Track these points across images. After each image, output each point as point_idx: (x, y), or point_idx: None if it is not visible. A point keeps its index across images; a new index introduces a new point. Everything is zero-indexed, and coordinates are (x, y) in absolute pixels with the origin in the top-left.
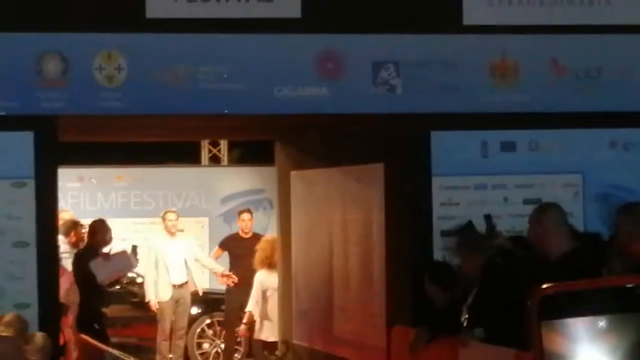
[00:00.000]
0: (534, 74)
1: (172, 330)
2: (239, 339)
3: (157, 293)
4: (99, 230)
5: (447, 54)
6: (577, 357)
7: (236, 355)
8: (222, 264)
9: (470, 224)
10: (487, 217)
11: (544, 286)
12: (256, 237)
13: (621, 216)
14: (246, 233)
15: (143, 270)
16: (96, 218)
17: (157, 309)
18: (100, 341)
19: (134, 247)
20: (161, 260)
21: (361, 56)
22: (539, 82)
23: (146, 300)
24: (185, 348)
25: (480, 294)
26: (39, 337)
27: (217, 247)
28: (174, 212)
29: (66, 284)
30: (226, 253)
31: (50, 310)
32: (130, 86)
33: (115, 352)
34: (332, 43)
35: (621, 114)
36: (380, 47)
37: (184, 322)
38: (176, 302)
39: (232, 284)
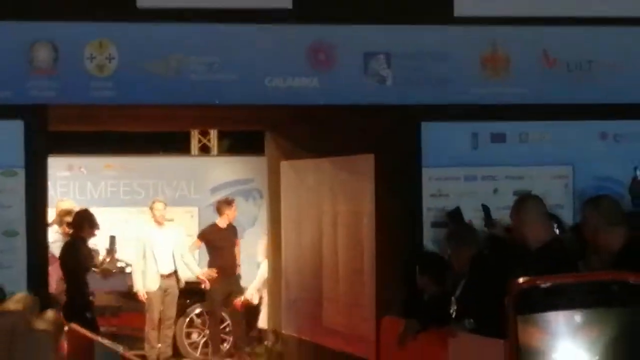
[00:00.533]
0: (525, 66)
1: (160, 320)
2: (227, 329)
3: (145, 283)
4: (85, 219)
5: (437, 45)
6: (553, 351)
7: (224, 344)
8: (202, 254)
9: (457, 210)
10: (485, 207)
11: (520, 280)
12: (231, 228)
13: (587, 209)
14: (226, 223)
15: (131, 259)
16: (108, 207)
17: (145, 298)
18: (91, 330)
19: (112, 238)
20: (149, 250)
21: (352, 47)
22: (529, 74)
23: (134, 291)
24: (174, 337)
25: (469, 285)
26: (50, 312)
27: (196, 239)
28: (161, 201)
29: (56, 273)
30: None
31: (40, 299)
32: (121, 76)
33: (105, 341)
34: (323, 34)
35: (612, 106)
36: (371, 38)
37: (172, 312)
38: (164, 291)
39: (207, 287)
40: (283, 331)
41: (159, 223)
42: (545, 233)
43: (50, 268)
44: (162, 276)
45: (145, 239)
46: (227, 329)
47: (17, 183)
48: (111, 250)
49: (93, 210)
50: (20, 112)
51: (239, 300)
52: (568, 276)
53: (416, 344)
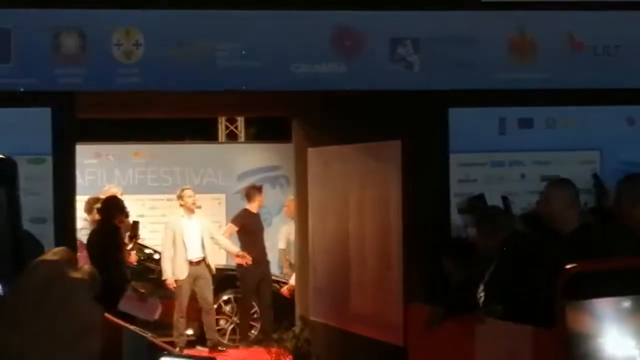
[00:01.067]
0: (552, 51)
1: (196, 307)
2: (255, 316)
3: (174, 271)
4: (115, 206)
5: (464, 30)
6: (601, 337)
7: (252, 331)
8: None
9: (481, 196)
10: (505, 199)
11: (569, 267)
12: (259, 214)
13: (623, 184)
14: (256, 209)
15: (160, 247)
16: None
17: (174, 286)
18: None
19: (135, 223)
20: (179, 238)
21: (379, 33)
22: (556, 59)
23: (163, 279)
24: (201, 324)
25: (498, 271)
26: (87, 266)
27: (229, 224)
28: (190, 189)
29: (84, 261)
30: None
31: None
32: (148, 62)
33: (133, 327)
34: (350, 19)
35: (639, 91)
36: (398, 24)
37: (209, 296)
38: (194, 279)
39: (246, 265)
40: (311, 317)
41: (189, 210)
42: (577, 218)
43: (78, 255)
44: (191, 263)
45: (174, 227)
46: (255, 316)
47: (45, 170)
48: (134, 237)
49: (121, 198)
50: (48, 100)
51: (285, 289)
52: (617, 261)
53: (443, 330)
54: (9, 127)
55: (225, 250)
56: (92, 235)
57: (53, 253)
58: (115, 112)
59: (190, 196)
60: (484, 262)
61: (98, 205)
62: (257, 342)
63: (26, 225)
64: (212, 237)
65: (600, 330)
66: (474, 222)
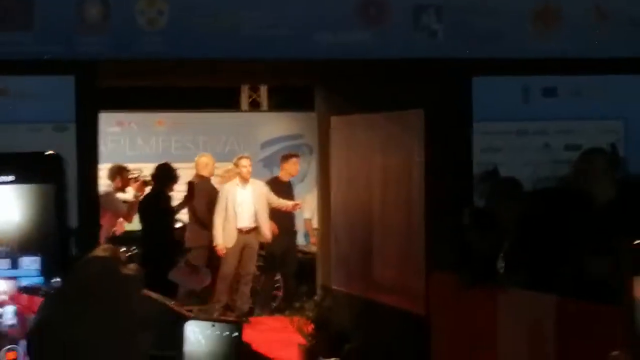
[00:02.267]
0: (577, 20)
1: (236, 276)
2: (277, 285)
3: (224, 238)
4: (165, 173)
5: None
6: None
7: (275, 300)
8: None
9: (495, 169)
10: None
11: (637, 241)
12: (289, 182)
13: None
14: (285, 177)
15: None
16: (161, 162)
17: (223, 253)
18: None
19: (190, 183)
20: (231, 205)
21: (403, 1)
22: (581, 28)
23: (214, 244)
24: (232, 292)
25: (518, 241)
26: (133, 264)
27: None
28: (248, 157)
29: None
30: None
31: (89, 253)
32: (172, 30)
33: (154, 295)
34: None
35: None
36: None
37: (252, 268)
38: (242, 247)
39: (273, 233)
40: (333, 286)
41: (244, 180)
42: (613, 187)
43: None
44: (241, 231)
45: (227, 194)
46: (277, 285)
47: (68, 138)
48: (189, 197)
49: (143, 166)
50: (71, 68)
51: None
52: None
53: (466, 299)
54: (33, 95)
55: (281, 206)
56: (144, 202)
57: (102, 249)
58: (138, 80)
59: (245, 166)
60: (503, 232)
61: (132, 174)
62: (280, 310)
63: None
64: (269, 202)
65: None
66: (490, 192)
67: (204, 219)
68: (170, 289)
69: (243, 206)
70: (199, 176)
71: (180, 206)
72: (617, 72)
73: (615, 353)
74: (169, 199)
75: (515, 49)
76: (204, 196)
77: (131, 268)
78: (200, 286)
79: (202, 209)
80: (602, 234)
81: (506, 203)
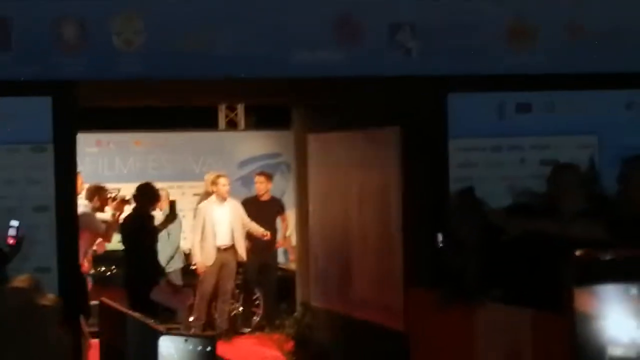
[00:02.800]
0: (551, 35)
1: (214, 294)
2: (257, 302)
3: (202, 257)
4: (147, 193)
5: (463, 16)
6: (608, 320)
7: (254, 317)
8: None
9: (470, 189)
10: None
11: (578, 253)
12: (274, 201)
13: (634, 165)
14: (262, 196)
15: (189, 233)
16: (139, 182)
17: (201, 272)
18: (151, 310)
19: (173, 203)
20: (209, 224)
21: (378, 19)
22: (555, 44)
23: (193, 263)
24: (209, 311)
25: (480, 260)
26: (52, 295)
27: None
28: (225, 176)
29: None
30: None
31: (70, 274)
32: (148, 50)
33: (136, 314)
34: (349, 6)
35: (638, 75)
36: (397, 10)
37: (230, 285)
38: (221, 266)
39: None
40: (312, 303)
41: (222, 198)
42: (583, 201)
43: (81, 239)
44: (219, 250)
45: (205, 213)
46: (257, 302)
47: (47, 159)
48: (172, 217)
49: (122, 185)
50: (49, 88)
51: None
52: (627, 250)
53: (444, 314)
54: (10, 116)
55: (253, 231)
56: (126, 222)
57: (21, 280)
58: (115, 100)
59: (224, 184)
60: (466, 251)
61: (110, 193)
62: (259, 328)
63: (28, 214)
64: (243, 223)
65: (607, 315)
66: (453, 210)
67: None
68: (152, 309)
69: (221, 224)
70: (207, 193)
71: (162, 226)
72: (591, 87)
73: None
74: (151, 218)
75: (489, 65)
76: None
77: (49, 299)
78: (182, 306)
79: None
80: (567, 247)
81: (466, 220)
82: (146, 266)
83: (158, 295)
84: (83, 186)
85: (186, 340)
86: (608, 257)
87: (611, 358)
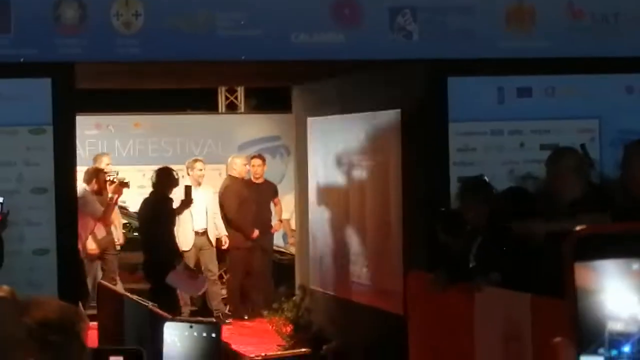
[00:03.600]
0: (551, 19)
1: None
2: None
3: (179, 241)
4: (166, 177)
5: None
6: (609, 296)
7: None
8: None
9: (481, 176)
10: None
11: (578, 228)
12: (268, 184)
13: (635, 150)
14: (257, 178)
15: None
16: (161, 166)
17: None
18: (168, 295)
19: (188, 188)
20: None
21: (378, 2)
22: (555, 27)
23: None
24: (203, 295)
25: (487, 242)
26: (5, 287)
27: None
28: (201, 160)
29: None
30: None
31: (68, 256)
32: (148, 32)
33: (134, 297)
34: None
35: (638, 59)
36: None
37: (214, 267)
38: (199, 249)
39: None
40: (311, 286)
41: (198, 183)
42: (581, 186)
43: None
44: (197, 233)
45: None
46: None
47: (46, 141)
48: (187, 202)
49: (121, 168)
50: (48, 70)
51: None
52: (628, 224)
53: (443, 298)
54: (10, 97)
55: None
56: (144, 206)
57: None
58: (115, 82)
59: (199, 169)
60: (472, 232)
61: (108, 176)
62: (258, 313)
63: (27, 196)
64: (214, 214)
65: (607, 290)
66: (458, 193)
67: (236, 220)
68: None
69: (197, 208)
70: (230, 177)
71: (178, 211)
72: (591, 71)
73: (557, 339)
74: (170, 201)
75: (490, 49)
76: (235, 197)
77: (4, 290)
78: (198, 292)
79: (231, 209)
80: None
81: (472, 203)
82: (165, 250)
83: (174, 279)
84: (109, 167)
85: (191, 327)
86: (608, 232)
87: (611, 333)
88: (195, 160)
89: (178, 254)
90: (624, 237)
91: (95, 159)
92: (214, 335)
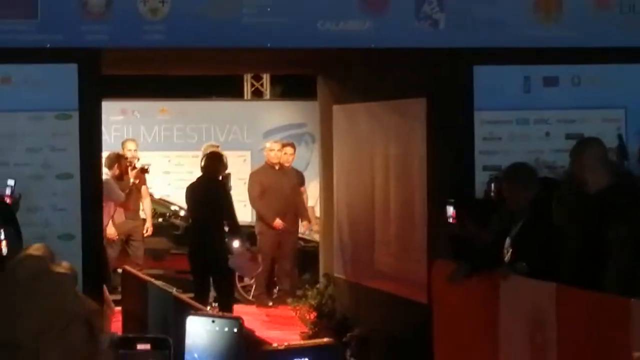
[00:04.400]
0: (577, 9)
1: None
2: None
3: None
4: (217, 161)
5: None
6: None
7: (274, 290)
8: None
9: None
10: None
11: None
12: (295, 171)
13: None
14: (286, 166)
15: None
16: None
17: None
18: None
19: (228, 175)
20: None
21: None
22: (582, 17)
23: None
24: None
25: (528, 227)
26: (65, 262)
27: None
28: (217, 146)
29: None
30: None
31: (93, 241)
32: (174, 19)
33: (158, 282)
34: None
35: None
36: None
37: None
38: None
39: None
40: (335, 274)
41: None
42: (606, 177)
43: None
44: None
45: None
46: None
47: (72, 126)
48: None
49: (147, 154)
50: (74, 56)
51: None
52: None
53: (467, 287)
54: (36, 83)
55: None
56: (196, 190)
57: (35, 249)
58: (141, 68)
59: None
60: (511, 216)
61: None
62: (281, 300)
63: (53, 182)
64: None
65: None
66: (504, 177)
67: (259, 209)
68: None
69: None
70: (265, 164)
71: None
72: (617, 61)
73: (637, 354)
74: (225, 184)
75: (516, 38)
76: (257, 185)
77: (64, 266)
78: (253, 274)
79: (254, 198)
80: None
81: (519, 189)
82: (219, 233)
83: (236, 262)
84: (135, 153)
85: (213, 322)
86: None
87: None
88: (212, 146)
89: (241, 235)
90: None
91: (122, 144)
92: (235, 330)
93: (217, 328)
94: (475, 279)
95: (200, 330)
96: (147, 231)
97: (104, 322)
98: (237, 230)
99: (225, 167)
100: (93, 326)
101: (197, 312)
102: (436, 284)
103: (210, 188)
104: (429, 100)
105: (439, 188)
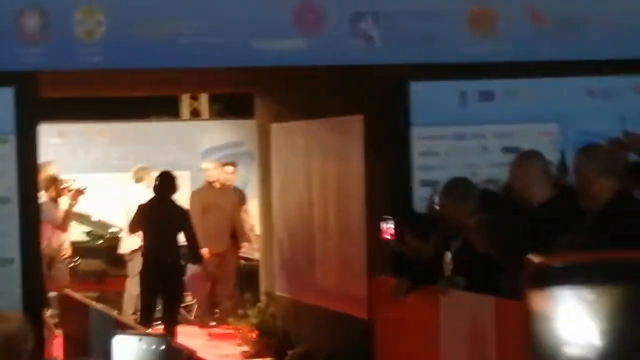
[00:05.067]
0: (512, 24)
1: None
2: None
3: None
4: (171, 181)
5: (425, 3)
6: (565, 323)
7: (216, 310)
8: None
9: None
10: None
11: (535, 258)
12: (235, 190)
13: (580, 158)
14: (228, 186)
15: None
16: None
17: (129, 261)
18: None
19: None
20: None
21: (340, 7)
22: (517, 31)
23: (120, 252)
24: None
25: (468, 242)
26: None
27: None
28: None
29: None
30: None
31: (33, 265)
32: (110, 41)
33: (99, 305)
34: None
35: (599, 62)
36: None
37: None
38: None
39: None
40: (276, 292)
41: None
42: (549, 189)
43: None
44: None
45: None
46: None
47: (9, 150)
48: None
49: (84, 176)
50: (11, 79)
51: None
52: (583, 255)
53: (408, 302)
54: None
55: None
56: (149, 210)
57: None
58: (78, 91)
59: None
60: (454, 232)
61: (64, 184)
62: (223, 319)
63: None
64: None
65: (563, 317)
66: (443, 192)
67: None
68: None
69: None
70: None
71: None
72: (552, 74)
73: None
74: (178, 205)
75: (452, 53)
76: (197, 206)
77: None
78: (203, 294)
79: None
80: (531, 236)
81: (460, 203)
82: (179, 252)
83: (191, 282)
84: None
85: (140, 340)
86: (564, 262)
87: (567, 358)
88: (142, 169)
89: (199, 256)
90: (578, 268)
91: (42, 167)
92: (163, 347)
93: (144, 346)
94: (415, 294)
95: (128, 349)
96: (65, 250)
97: (29, 344)
98: (197, 250)
99: (177, 187)
100: (12, 350)
101: (124, 330)
102: (376, 299)
103: (164, 207)
104: (366, 117)
105: (378, 204)
